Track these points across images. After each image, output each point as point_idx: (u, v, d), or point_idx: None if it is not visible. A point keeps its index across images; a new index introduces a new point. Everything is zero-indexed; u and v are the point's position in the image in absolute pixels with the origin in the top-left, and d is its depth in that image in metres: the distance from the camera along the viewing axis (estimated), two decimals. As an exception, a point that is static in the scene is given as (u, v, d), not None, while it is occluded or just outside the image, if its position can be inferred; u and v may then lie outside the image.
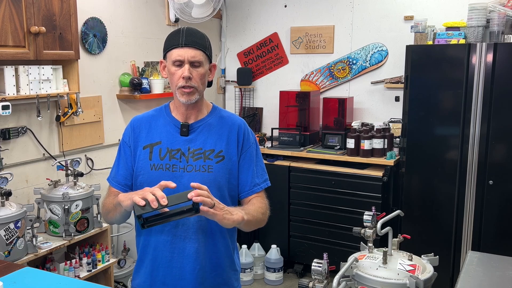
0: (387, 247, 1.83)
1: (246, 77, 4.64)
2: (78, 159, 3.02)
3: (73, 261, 2.87)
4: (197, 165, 1.65)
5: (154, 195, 1.40)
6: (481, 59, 3.17)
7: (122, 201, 1.53)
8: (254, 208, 1.69)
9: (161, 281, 1.69)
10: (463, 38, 3.37)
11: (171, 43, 1.65)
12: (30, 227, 2.63)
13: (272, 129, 4.27)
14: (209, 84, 1.76)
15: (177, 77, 1.63)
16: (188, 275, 1.66)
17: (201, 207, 1.44)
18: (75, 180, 2.95)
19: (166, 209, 1.43)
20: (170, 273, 1.67)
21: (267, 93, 4.70)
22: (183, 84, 1.62)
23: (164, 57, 1.69)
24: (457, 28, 3.44)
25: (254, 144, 1.78)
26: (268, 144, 4.22)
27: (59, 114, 3.13)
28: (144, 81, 3.68)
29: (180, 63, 1.62)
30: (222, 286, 1.74)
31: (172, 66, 1.64)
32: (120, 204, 1.55)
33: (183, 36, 1.63)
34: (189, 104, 1.68)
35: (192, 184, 1.46)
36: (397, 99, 4.04)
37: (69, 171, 2.99)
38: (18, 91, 2.75)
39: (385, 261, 1.76)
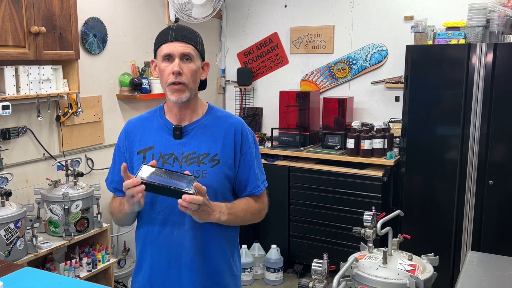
0: (387, 247, 1.83)
1: (246, 77, 4.64)
2: (78, 159, 3.02)
3: (73, 261, 2.87)
4: (191, 170, 1.59)
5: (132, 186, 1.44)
6: (481, 59, 3.17)
7: (125, 209, 1.57)
8: (243, 208, 1.66)
9: (160, 287, 1.67)
10: (463, 38, 3.37)
11: (160, 39, 1.61)
12: (30, 227, 2.63)
13: (272, 129, 4.27)
14: (204, 85, 1.72)
15: (167, 73, 1.58)
16: (186, 282, 1.64)
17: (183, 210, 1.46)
18: (75, 180, 2.95)
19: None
20: (169, 280, 1.65)
21: (267, 93, 4.70)
22: (173, 80, 1.57)
23: (155, 56, 1.65)
24: (457, 28, 3.44)
25: (253, 144, 1.72)
26: (268, 144, 4.22)
27: (59, 114, 3.13)
28: (144, 81, 3.68)
29: (170, 58, 1.58)
30: None
31: (162, 62, 1.59)
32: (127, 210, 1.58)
33: (173, 31, 1.59)
34: (182, 105, 1.63)
35: (195, 184, 1.44)
36: (397, 99, 4.04)
37: (69, 171, 2.99)
38: (18, 91, 2.75)
39: (385, 261, 1.76)
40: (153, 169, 1.49)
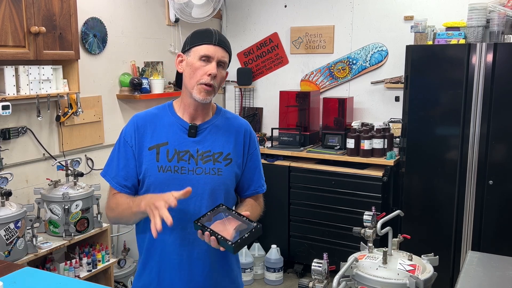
0: (387, 247, 1.83)
1: (246, 77, 4.64)
2: (78, 159, 3.02)
3: (73, 261, 2.87)
4: (207, 168, 1.64)
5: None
6: (481, 59, 3.17)
7: (141, 209, 1.54)
8: (256, 215, 1.73)
9: (169, 284, 1.67)
10: (463, 38, 3.37)
11: (201, 39, 1.63)
12: (30, 227, 2.63)
13: (272, 129, 4.27)
14: None
15: (201, 73, 1.61)
16: (197, 277, 1.65)
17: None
18: (75, 180, 2.95)
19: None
20: (179, 276, 1.65)
21: (267, 93, 4.70)
22: (207, 81, 1.60)
23: (186, 51, 1.66)
24: (457, 28, 3.44)
25: (258, 145, 1.80)
26: (268, 144, 4.22)
27: (59, 114, 3.13)
28: (144, 81, 3.68)
29: (207, 60, 1.61)
30: (231, 285, 1.74)
31: (198, 61, 1.62)
32: (143, 212, 1.54)
33: (216, 35, 1.63)
34: (200, 105, 1.66)
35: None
36: (397, 99, 4.04)
37: (69, 171, 2.99)
38: (18, 91, 2.75)
39: (385, 261, 1.76)
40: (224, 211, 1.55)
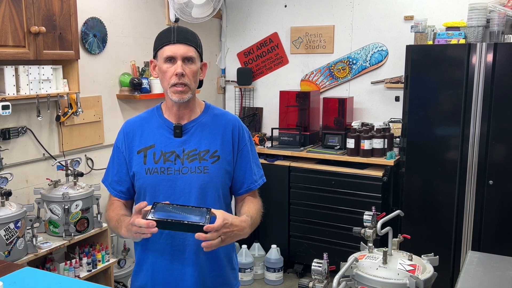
0: (387, 247, 1.83)
1: (246, 77, 4.64)
2: (78, 159, 3.03)
3: (73, 261, 2.87)
4: (193, 167, 1.64)
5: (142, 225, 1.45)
6: (481, 59, 3.17)
7: (123, 234, 1.59)
8: (256, 213, 1.71)
9: (162, 283, 1.69)
10: (463, 38, 3.37)
11: (162, 40, 1.64)
12: (30, 227, 2.63)
13: (272, 129, 4.27)
14: (200, 84, 1.74)
15: (169, 75, 1.61)
16: (188, 277, 1.67)
17: (205, 246, 1.47)
18: (75, 180, 2.95)
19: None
20: (171, 275, 1.68)
21: (267, 93, 4.70)
22: (176, 81, 1.60)
23: (155, 56, 1.68)
24: (457, 28, 3.44)
25: (249, 141, 1.77)
26: (268, 144, 4.22)
27: (59, 114, 3.13)
28: (144, 81, 3.68)
29: (172, 60, 1.61)
30: (222, 286, 1.74)
31: (164, 64, 1.62)
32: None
33: (175, 33, 1.62)
34: (181, 104, 1.66)
35: (205, 227, 1.44)
36: (397, 99, 4.04)
37: (69, 171, 2.99)
38: (18, 91, 2.75)
39: (385, 261, 1.76)
40: (164, 206, 1.50)
